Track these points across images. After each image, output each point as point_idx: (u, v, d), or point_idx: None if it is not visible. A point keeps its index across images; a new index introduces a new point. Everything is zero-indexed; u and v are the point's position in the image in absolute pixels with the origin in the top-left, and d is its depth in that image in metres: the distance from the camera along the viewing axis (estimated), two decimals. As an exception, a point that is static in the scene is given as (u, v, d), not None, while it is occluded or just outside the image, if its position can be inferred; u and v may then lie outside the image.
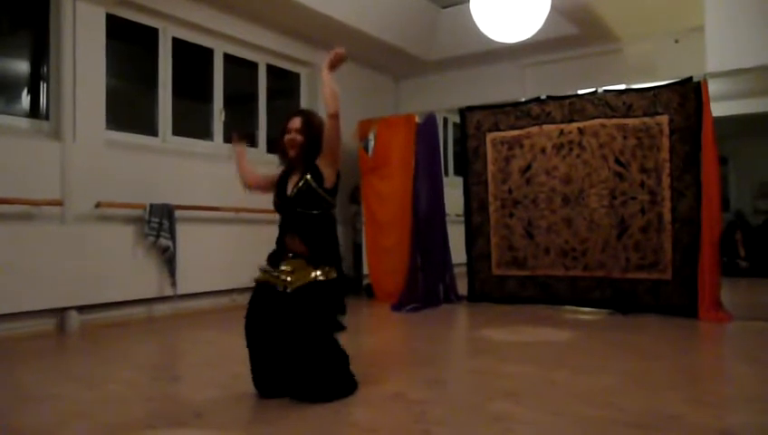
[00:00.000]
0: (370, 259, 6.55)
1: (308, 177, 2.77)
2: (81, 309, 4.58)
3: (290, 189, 2.82)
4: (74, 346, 4.16)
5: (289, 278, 2.73)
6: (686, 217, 5.01)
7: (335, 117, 2.76)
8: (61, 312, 4.48)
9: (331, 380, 2.69)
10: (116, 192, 4.83)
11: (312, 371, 2.65)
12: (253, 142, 2.74)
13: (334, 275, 2.78)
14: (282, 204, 2.85)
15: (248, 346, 2.79)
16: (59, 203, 4.48)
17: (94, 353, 3.87)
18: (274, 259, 2.83)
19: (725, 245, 7.79)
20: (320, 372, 2.66)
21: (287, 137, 2.83)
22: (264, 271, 2.85)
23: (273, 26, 6.23)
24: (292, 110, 2.97)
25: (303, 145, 2.81)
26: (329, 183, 2.81)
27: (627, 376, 3.12)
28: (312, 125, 2.84)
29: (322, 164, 2.81)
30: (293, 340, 2.67)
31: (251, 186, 3.12)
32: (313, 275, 2.72)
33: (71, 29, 4.61)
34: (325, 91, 2.79)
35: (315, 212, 2.79)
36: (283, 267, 2.78)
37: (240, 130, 3.08)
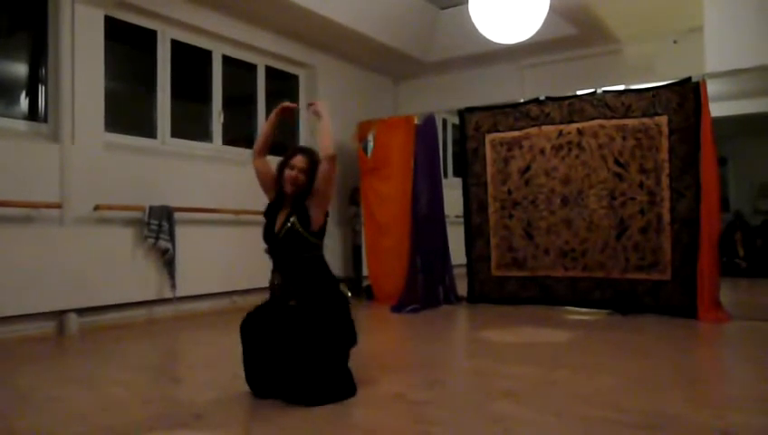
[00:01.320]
0: (370, 260, 6.55)
1: (293, 219, 2.72)
2: (80, 312, 4.57)
3: (277, 226, 2.77)
4: (74, 349, 4.15)
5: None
6: (686, 218, 5.01)
7: (334, 159, 2.74)
8: (60, 314, 4.47)
9: (328, 384, 2.67)
10: (115, 194, 4.83)
11: (312, 376, 2.63)
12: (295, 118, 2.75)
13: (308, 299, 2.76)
14: (269, 242, 2.79)
15: (244, 348, 2.78)
16: (58, 205, 4.47)
17: (94, 356, 3.87)
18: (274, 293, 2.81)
19: (725, 245, 7.79)
20: (318, 377, 2.64)
21: (289, 173, 2.75)
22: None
23: (272, 28, 6.23)
24: (294, 146, 2.91)
25: (304, 186, 2.76)
26: (315, 225, 2.76)
27: (627, 376, 3.12)
28: (314, 167, 2.78)
29: (312, 205, 2.76)
30: (296, 349, 2.66)
31: (259, 156, 2.98)
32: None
33: (69, 31, 4.61)
34: (324, 135, 2.82)
35: (305, 255, 2.75)
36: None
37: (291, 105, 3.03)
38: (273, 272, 2.80)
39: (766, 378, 3.19)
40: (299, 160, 2.76)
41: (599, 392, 2.82)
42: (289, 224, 2.71)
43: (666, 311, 5.04)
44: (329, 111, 2.94)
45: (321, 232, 2.81)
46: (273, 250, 2.78)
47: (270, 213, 2.86)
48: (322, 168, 2.76)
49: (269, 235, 2.79)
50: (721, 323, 4.72)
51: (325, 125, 2.84)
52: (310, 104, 2.98)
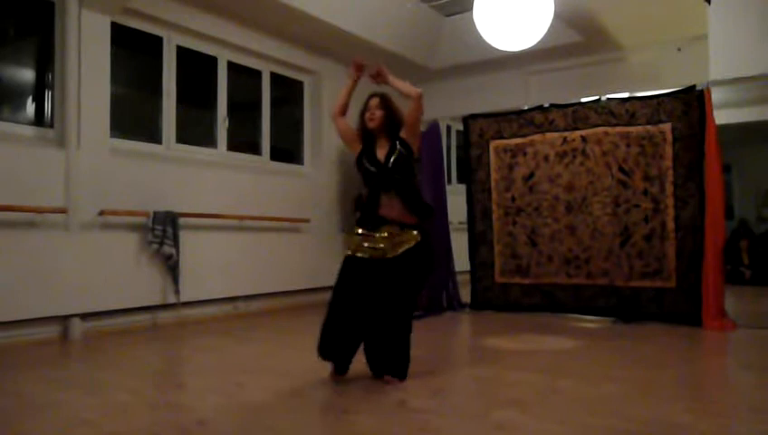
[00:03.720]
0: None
1: (400, 148, 3.14)
2: (84, 316, 4.58)
3: (383, 158, 3.15)
4: (78, 354, 4.16)
5: (384, 245, 3.08)
6: (690, 225, 5.01)
7: (419, 98, 3.15)
8: (64, 319, 4.49)
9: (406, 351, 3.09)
10: (120, 200, 4.84)
11: (401, 338, 3.05)
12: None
13: (419, 238, 3.11)
14: (378, 172, 3.15)
15: (332, 314, 3.09)
16: (63, 211, 4.49)
17: (97, 361, 3.87)
18: (369, 223, 3.14)
19: (729, 253, 7.76)
20: (404, 342, 3.07)
21: (367, 113, 3.20)
22: (359, 237, 3.13)
23: (277, 34, 6.25)
24: (373, 92, 3.31)
25: (384, 118, 3.17)
26: (415, 153, 3.20)
27: (631, 385, 3.11)
28: (388, 102, 3.21)
29: (407, 136, 3.17)
30: (391, 303, 3.02)
31: (339, 116, 3.32)
32: (408, 242, 3.07)
33: (76, 37, 4.63)
34: (403, 88, 3.18)
35: (409, 177, 3.17)
36: (378, 235, 3.10)
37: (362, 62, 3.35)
38: (387, 199, 3.11)
39: (771, 387, 3.18)
40: (372, 101, 3.22)
41: (603, 401, 2.81)
42: (397, 152, 3.13)
43: (670, 319, 5.03)
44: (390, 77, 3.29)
45: (417, 160, 3.25)
46: (381, 178, 3.13)
47: (362, 158, 3.21)
48: (409, 106, 3.18)
49: (376, 165, 3.15)
50: (726, 331, 4.70)
51: (393, 81, 3.21)
52: (374, 76, 3.27)
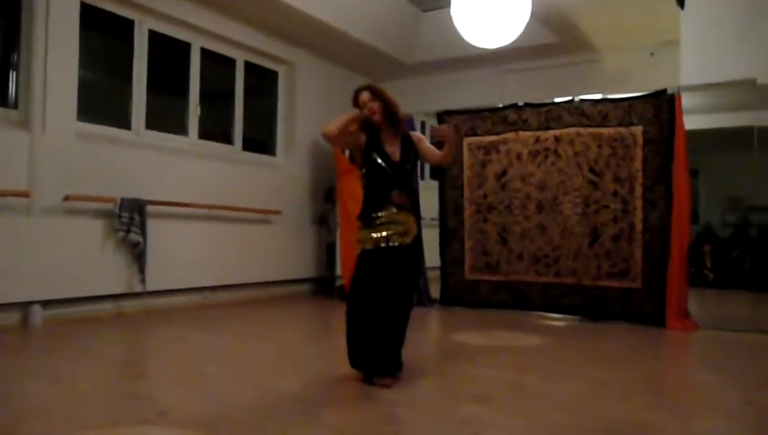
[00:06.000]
0: (344, 260, 6.51)
1: (412, 154, 3.24)
2: (45, 304, 4.47)
3: (397, 158, 3.17)
4: (37, 342, 4.05)
5: (403, 228, 3.11)
6: (657, 228, 5.08)
7: (444, 164, 3.49)
8: (24, 306, 4.37)
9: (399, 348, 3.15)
10: (86, 185, 4.73)
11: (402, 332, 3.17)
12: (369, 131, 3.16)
13: (418, 226, 3.25)
14: (396, 173, 3.15)
15: (355, 317, 3.07)
16: (26, 194, 4.36)
17: (58, 349, 3.78)
18: (378, 208, 3.13)
19: (694, 256, 7.91)
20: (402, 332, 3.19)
21: (365, 111, 3.13)
22: (381, 227, 3.10)
23: (253, 23, 6.17)
24: (358, 87, 3.23)
25: (382, 107, 3.13)
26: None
27: (595, 382, 3.15)
28: (377, 91, 3.16)
29: (420, 149, 3.28)
30: (405, 294, 3.18)
31: (333, 139, 3.21)
32: (413, 229, 3.16)
33: (43, 17, 4.50)
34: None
35: (412, 175, 3.33)
36: (394, 220, 3.10)
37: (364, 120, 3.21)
38: (398, 191, 3.15)
39: (731, 386, 3.24)
40: (363, 96, 3.15)
41: (568, 398, 2.83)
42: (412, 157, 3.24)
43: (635, 318, 5.10)
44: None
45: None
46: (394, 173, 3.15)
47: (372, 153, 3.15)
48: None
49: (389, 163, 3.15)
50: (688, 331, 4.79)
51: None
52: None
